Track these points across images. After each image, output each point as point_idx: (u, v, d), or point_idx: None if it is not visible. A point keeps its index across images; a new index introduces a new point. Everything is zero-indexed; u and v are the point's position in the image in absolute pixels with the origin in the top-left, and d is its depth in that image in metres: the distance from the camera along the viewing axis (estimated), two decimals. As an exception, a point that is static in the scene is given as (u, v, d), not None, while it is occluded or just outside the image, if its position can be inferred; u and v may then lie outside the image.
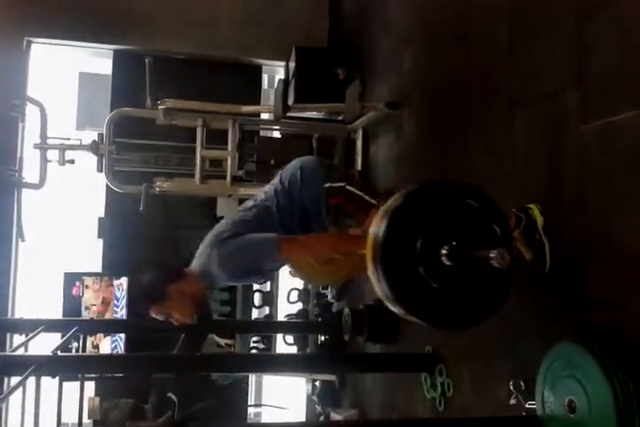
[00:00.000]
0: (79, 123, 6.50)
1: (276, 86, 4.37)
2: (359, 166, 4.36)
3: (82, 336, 3.95)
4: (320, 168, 2.47)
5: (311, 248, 2.48)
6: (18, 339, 3.87)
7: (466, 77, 2.99)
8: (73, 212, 7.72)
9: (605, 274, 1.93)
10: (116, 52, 5.12)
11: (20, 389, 2.77)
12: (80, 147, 4.42)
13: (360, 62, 4.56)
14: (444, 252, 1.79)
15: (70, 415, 3.69)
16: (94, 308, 4.83)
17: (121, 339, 4.68)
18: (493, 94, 2.71)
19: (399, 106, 3.83)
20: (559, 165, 2.21)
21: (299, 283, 4.89)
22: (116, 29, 4.93)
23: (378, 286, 1.86)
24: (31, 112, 4.57)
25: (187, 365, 3.13)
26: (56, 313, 4.70)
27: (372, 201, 2.35)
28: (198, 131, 4.26)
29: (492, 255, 1.71)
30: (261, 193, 2.55)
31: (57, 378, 2.91)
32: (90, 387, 4.41)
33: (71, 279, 4.83)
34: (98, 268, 5.04)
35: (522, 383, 2.23)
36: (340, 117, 4.61)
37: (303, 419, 4.99)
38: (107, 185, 4.54)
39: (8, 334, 4.28)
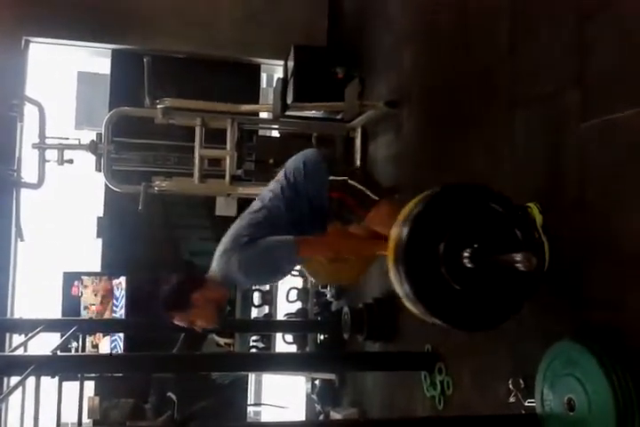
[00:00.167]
0: (78, 122, 6.50)
1: (274, 85, 4.36)
2: (358, 165, 4.36)
3: (81, 336, 3.96)
4: (323, 162, 2.44)
5: (329, 249, 2.47)
6: (17, 339, 3.87)
7: (466, 77, 2.99)
8: (72, 211, 7.72)
9: (605, 273, 1.93)
10: (114, 51, 5.12)
11: (20, 389, 2.77)
12: (79, 146, 4.42)
13: (359, 61, 4.56)
14: (466, 254, 1.80)
15: (70, 415, 3.69)
16: (93, 307, 4.83)
17: (120, 338, 4.68)
18: (493, 94, 2.71)
19: (398, 105, 3.83)
20: (559, 164, 2.21)
21: (298, 282, 4.89)
22: (114, 29, 4.92)
23: (399, 287, 1.86)
24: (30, 112, 4.56)
25: (186, 364, 3.14)
26: (55, 313, 4.71)
27: (374, 197, 2.33)
28: (197, 130, 4.26)
29: (517, 258, 1.71)
30: (267, 192, 2.51)
31: (56, 378, 2.91)
32: (89, 387, 4.41)
33: (70, 279, 4.83)
34: (97, 267, 5.05)
35: (521, 381, 2.23)
36: (339, 116, 4.61)
37: (303, 418, 4.99)
38: (105, 185, 4.54)
39: (7, 334, 4.28)
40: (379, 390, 3.89)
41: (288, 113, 4.28)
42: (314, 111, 4.89)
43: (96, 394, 4.48)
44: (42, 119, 4.43)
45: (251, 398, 5.74)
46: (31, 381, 2.76)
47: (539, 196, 2.25)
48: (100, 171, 4.33)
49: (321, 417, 4.56)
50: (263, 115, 4.88)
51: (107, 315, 4.81)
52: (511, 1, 2.60)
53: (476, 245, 1.80)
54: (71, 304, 4.75)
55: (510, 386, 2.25)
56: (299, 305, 4.85)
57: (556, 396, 1.89)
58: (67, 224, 7.90)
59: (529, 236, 1.89)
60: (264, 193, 2.53)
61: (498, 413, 2.35)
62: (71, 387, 3.57)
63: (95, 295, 4.83)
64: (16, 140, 4.72)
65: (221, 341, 4.65)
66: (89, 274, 4.92)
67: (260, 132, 5.02)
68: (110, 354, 3.88)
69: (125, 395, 4.39)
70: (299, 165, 2.44)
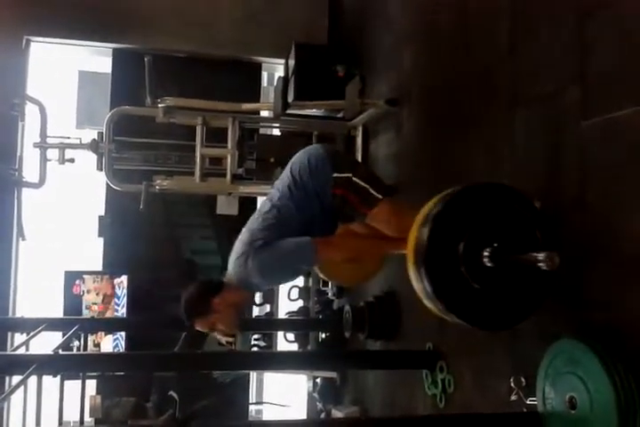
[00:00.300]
0: (79, 121, 6.48)
1: (275, 84, 4.36)
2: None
3: (83, 335, 3.96)
4: (327, 157, 2.42)
5: (347, 249, 2.47)
6: (19, 338, 3.88)
7: (466, 77, 2.98)
8: (73, 210, 7.71)
9: (605, 274, 1.93)
10: (115, 50, 5.12)
11: (22, 388, 2.78)
12: (80, 145, 4.42)
13: (360, 59, 4.56)
14: (485, 254, 1.81)
15: (72, 414, 3.70)
16: (95, 306, 4.84)
17: (122, 337, 4.69)
18: (493, 94, 2.71)
19: (399, 103, 3.83)
20: (559, 163, 2.21)
21: (299, 280, 4.89)
22: (115, 28, 4.92)
23: (418, 285, 1.86)
24: (31, 111, 4.56)
25: (188, 363, 3.14)
26: (57, 312, 4.71)
27: (378, 195, 2.31)
28: (198, 129, 4.26)
29: (540, 258, 1.71)
30: (275, 191, 2.48)
31: (58, 377, 2.92)
32: (91, 385, 4.42)
33: (72, 278, 4.84)
34: (98, 266, 5.05)
35: (522, 380, 2.23)
36: (339, 115, 4.61)
37: (304, 416, 5.00)
38: (107, 184, 4.54)
39: (9, 333, 4.28)
40: (380, 388, 3.90)
41: (289, 111, 4.28)
42: (315, 110, 4.88)
43: (98, 393, 4.48)
44: (43, 118, 4.43)
45: (252, 397, 5.75)
46: (33, 380, 2.78)
47: (539, 195, 2.25)
48: (102, 170, 4.33)
49: (322, 415, 4.57)
50: (264, 113, 4.88)
51: (108, 314, 4.82)
52: (511, 1, 2.59)
53: (495, 245, 1.81)
54: (73, 303, 4.76)
55: (512, 384, 2.25)
56: (300, 303, 4.85)
57: (557, 394, 1.89)
58: (68, 223, 7.89)
59: (549, 235, 1.89)
60: (272, 192, 2.51)
61: (499, 411, 2.35)
62: (73, 386, 3.58)
63: (97, 294, 4.84)
64: (17, 140, 4.72)
65: (223, 339, 4.65)
66: (90, 273, 4.93)
67: (261, 131, 5.02)
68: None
69: (127, 394, 4.39)
70: (304, 162, 2.42)
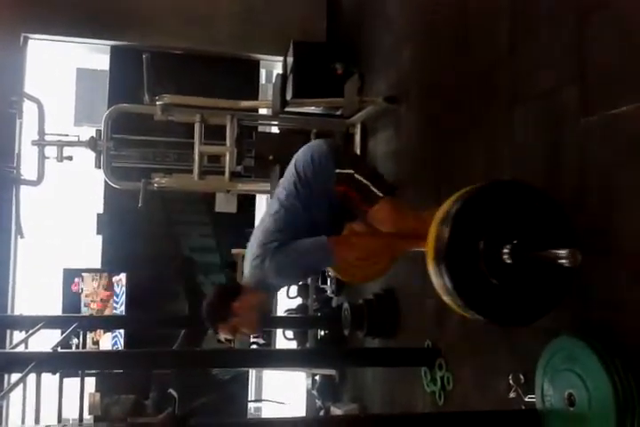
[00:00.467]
0: (77, 119, 6.50)
1: (274, 81, 4.36)
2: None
3: (82, 333, 3.96)
4: (330, 153, 2.41)
5: (363, 247, 2.44)
6: (18, 336, 3.88)
7: (466, 76, 2.98)
8: (71, 208, 7.72)
9: (605, 271, 1.93)
10: (113, 47, 5.12)
11: (21, 385, 2.77)
12: (78, 143, 4.42)
13: (358, 57, 4.55)
14: (505, 250, 1.81)
15: (71, 411, 3.70)
16: (94, 304, 4.84)
17: (121, 335, 4.69)
18: (493, 93, 2.71)
19: (398, 100, 3.82)
20: (558, 162, 2.21)
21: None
22: (113, 25, 4.92)
23: (438, 281, 1.87)
24: (29, 109, 4.56)
25: (187, 360, 3.14)
26: (56, 310, 4.71)
27: (378, 193, 2.30)
28: (196, 126, 4.26)
29: (562, 255, 1.71)
30: (281, 189, 2.45)
31: (57, 374, 2.92)
32: (90, 383, 4.42)
33: (70, 276, 4.84)
34: (97, 264, 5.05)
35: (521, 377, 2.24)
36: (338, 112, 4.60)
37: (303, 414, 5.01)
38: (105, 181, 4.54)
39: (8, 331, 4.29)
40: (379, 385, 3.90)
41: (287, 109, 4.27)
42: (313, 107, 4.87)
43: (97, 390, 4.49)
44: (41, 116, 4.43)
45: (251, 394, 5.76)
46: (32, 377, 2.77)
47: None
48: (100, 167, 4.33)
49: (321, 413, 4.57)
50: (262, 111, 4.88)
51: (107, 312, 4.82)
52: (511, 1, 2.59)
53: (515, 242, 1.81)
54: (71, 301, 4.77)
55: (510, 381, 2.25)
56: (299, 301, 4.85)
57: (556, 391, 1.89)
58: (67, 221, 7.90)
59: (569, 232, 1.89)
60: (278, 191, 2.48)
61: (498, 408, 2.35)
62: (72, 383, 3.58)
63: (95, 292, 4.84)
64: (15, 137, 4.72)
65: (222, 337, 4.65)
66: (89, 271, 4.93)
67: (260, 129, 5.01)
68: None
69: (126, 391, 4.39)
70: (307, 159, 2.39)
